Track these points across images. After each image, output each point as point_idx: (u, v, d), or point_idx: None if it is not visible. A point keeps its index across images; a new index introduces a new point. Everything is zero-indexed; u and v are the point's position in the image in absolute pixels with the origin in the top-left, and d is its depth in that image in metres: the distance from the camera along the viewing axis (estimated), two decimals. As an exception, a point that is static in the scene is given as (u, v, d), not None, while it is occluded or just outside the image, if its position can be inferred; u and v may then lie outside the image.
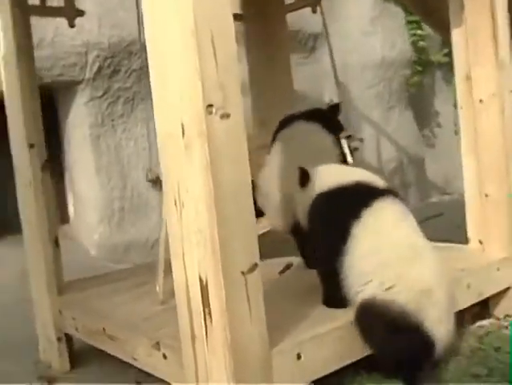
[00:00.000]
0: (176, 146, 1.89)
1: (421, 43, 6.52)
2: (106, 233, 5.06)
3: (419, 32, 6.53)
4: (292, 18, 6.00)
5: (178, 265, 1.98)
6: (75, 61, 4.89)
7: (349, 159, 3.21)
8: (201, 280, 1.89)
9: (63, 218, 5.50)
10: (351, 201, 2.26)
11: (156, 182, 2.83)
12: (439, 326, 2.10)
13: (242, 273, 1.87)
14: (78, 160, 5.20)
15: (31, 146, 3.06)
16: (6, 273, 4.53)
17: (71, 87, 5.00)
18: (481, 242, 3.02)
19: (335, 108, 3.21)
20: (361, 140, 3.60)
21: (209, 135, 1.80)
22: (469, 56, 2.94)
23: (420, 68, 6.60)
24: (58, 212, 5.48)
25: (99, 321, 2.69)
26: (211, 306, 1.87)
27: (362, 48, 6.51)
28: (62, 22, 4.79)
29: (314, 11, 3.88)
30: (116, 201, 5.18)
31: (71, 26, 3.49)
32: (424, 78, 6.89)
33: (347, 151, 3.17)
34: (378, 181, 2.35)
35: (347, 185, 2.32)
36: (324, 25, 3.86)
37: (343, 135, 3.21)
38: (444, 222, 5.29)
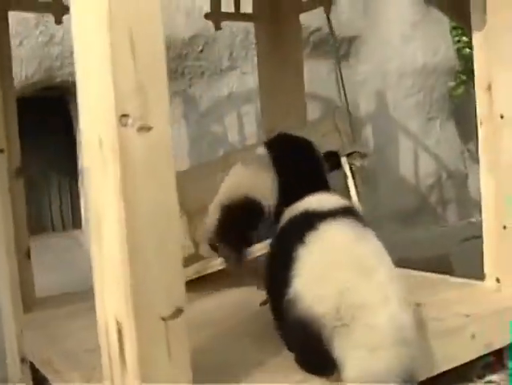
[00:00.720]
0: (94, 162, 1.59)
1: (466, 51, 6.02)
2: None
3: (464, 39, 6.05)
4: (325, 21, 5.68)
5: (99, 304, 1.68)
6: (86, 60, 4.66)
7: (350, 182, 2.84)
8: (117, 323, 1.58)
9: (76, 223, 5.30)
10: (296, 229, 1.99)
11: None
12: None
13: (162, 318, 1.55)
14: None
15: (0, 151, 2.81)
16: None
17: (82, 87, 4.77)
18: (498, 280, 2.62)
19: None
20: (364, 156, 3.21)
21: (122, 151, 1.49)
22: (491, 62, 2.53)
23: (464, 77, 6.10)
24: (71, 216, 5.32)
25: (46, 349, 2.43)
26: (126, 355, 1.56)
27: (402, 54, 6.08)
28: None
29: (327, 12, 3.52)
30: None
31: (58, 22, 3.24)
32: (469, 88, 6.38)
33: (347, 171, 2.80)
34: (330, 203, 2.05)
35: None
36: (330, 28, 3.48)
37: (342, 153, 2.85)
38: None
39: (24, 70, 4.50)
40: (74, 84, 4.56)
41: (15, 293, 2.83)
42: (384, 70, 6.00)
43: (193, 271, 2.81)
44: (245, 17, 3.72)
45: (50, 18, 4.51)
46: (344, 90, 3.43)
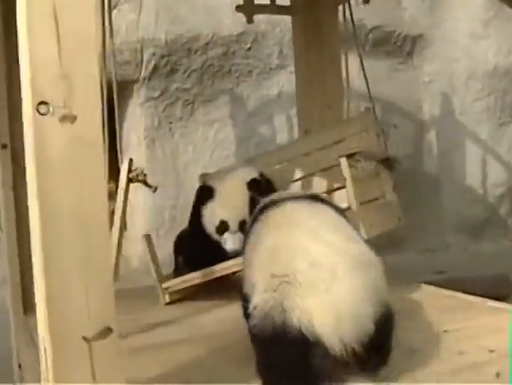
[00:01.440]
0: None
1: (544, 50, 5.50)
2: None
3: (541, 37, 5.52)
4: (385, 18, 5.35)
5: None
6: (129, 58, 4.57)
7: (348, 186, 2.54)
8: (43, 339, 1.39)
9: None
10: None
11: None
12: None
13: (85, 339, 1.34)
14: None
15: (3, 146, 2.71)
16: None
17: (125, 86, 4.68)
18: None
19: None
20: (392, 162, 2.91)
21: (38, 145, 1.29)
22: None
23: (541, 79, 5.58)
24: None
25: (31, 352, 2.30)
26: (48, 376, 1.37)
27: (471, 54, 5.63)
28: (116, 15, 4.56)
29: (366, 2, 3.22)
30: (167, 211, 4.80)
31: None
32: (547, 91, 5.85)
33: (346, 174, 2.51)
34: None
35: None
36: (351, 19, 3.18)
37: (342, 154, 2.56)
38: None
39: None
40: (118, 82, 4.48)
41: (16, 293, 2.71)
42: (451, 71, 5.58)
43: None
44: (281, 9, 3.48)
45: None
46: (368, 89, 3.12)
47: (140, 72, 4.64)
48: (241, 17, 4.65)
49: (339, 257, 1.64)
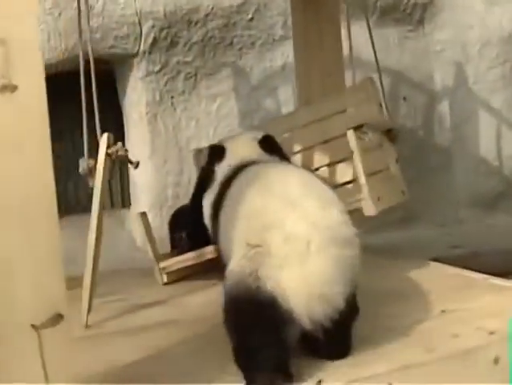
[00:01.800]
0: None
1: (562, 15, 5.25)
2: (155, 222, 4.56)
3: (559, 1, 5.26)
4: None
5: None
6: (127, 32, 4.44)
7: (356, 158, 2.41)
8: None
9: (125, 202, 5.14)
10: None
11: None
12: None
13: (34, 326, 1.24)
14: (134, 140, 4.78)
15: None
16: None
17: (125, 60, 4.57)
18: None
19: None
20: (395, 134, 2.76)
21: (-26, 117, 1.18)
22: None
23: (558, 45, 5.34)
24: (120, 194, 5.17)
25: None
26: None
27: (485, 21, 5.39)
28: (112, -12, 4.42)
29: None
30: (170, 188, 4.70)
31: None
32: None
33: (354, 147, 2.38)
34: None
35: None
36: None
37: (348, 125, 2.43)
38: None
39: (63, 43, 4.33)
40: (115, 58, 4.38)
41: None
42: (464, 38, 5.35)
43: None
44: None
45: (89, -14, 4.36)
46: (376, 58, 2.96)
47: (140, 46, 4.51)
48: (242, -14, 4.52)
49: (313, 228, 1.58)
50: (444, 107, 5.40)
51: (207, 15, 4.55)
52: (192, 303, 2.51)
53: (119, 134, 4.87)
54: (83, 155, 2.24)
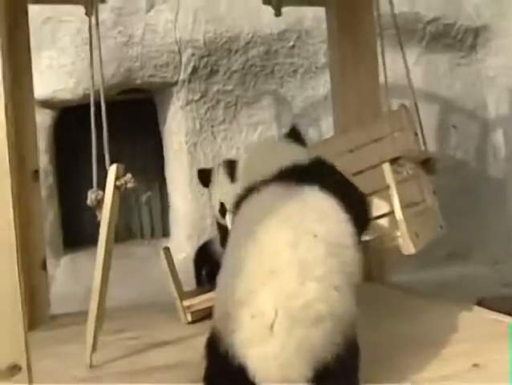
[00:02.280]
0: None
1: None
2: (193, 252, 4.50)
3: None
4: (444, 9, 4.95)
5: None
6: (167, 60, 4.42)
7: (392, 193, 2.25)
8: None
9: (165, 231, 5.09)
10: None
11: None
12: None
13: (-12, 377, 1.14)
14: (174, 169, 4.73)
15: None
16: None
17: (165, 89, 4.54)
18: None
19: None
20: (433, 164, 2.57)
21: None
22: None
23: None
24: (161, 224, 5.12)
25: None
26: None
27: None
28: (153, 16, 4.42)
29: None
30: (209, 218, 4.61)
31: (90, 14, 2.97)
32: None
33: (390, 181, 2.22)
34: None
35: None
36: (392, 9, 2.84)
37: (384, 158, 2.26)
38: None
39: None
40: (156, 85, 4.35)
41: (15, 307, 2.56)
42: (516, 64, 5.10)
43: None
44: (312, 1, 3.21)
45: (129, 17, 4.37)
46: (411, 83, 2.79)
47: (179, 74, 4.47)
48: (283, 14, 4.44)
49: (281, 307, 1.53)
50: (498, 135, 5.14)
51: (247, 43, 4.48)
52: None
53: (159, 162, 4.86)
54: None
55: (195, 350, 2.25)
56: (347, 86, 3.20)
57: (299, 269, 1.55)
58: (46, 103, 4.38)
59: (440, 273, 4.49)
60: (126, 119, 4.83)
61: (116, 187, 2.04)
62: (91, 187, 2.18)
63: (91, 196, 2.10)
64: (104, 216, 2.03)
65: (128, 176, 2.05)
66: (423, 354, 1.98)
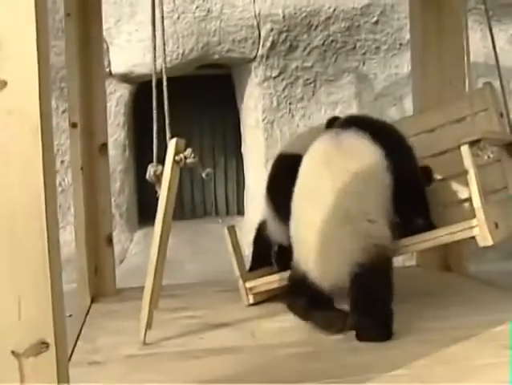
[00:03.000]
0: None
1: None
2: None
3: None
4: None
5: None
6: (245, 35, 4.33)
7: (471, 180, 2.08)
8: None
9: (240, 209, 5.05)
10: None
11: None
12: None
13: (15, 354, 1.11)
14: (250, 147, 4.66)
15: (73, 125, 2.58)
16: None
17: (243, 64, 4.46)
18: None
19: None
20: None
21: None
22: None
23: None
24: (236, 201, 5.07)
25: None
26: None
27: None
28: (232, -9, 4.33)
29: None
30: (284, 197, 4.51)
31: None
32: None
33: (469, 166, 2.04)
34: None
35: None
36: None
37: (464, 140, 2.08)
38: None
39: (181, 46, 4.30)
40: (233, 61, 4.28)
41: (83, 278, 2.58)
42: None
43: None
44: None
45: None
46: (497, 60, 2.56)
47: (258, 50, 4.37)
48: (367, -13, 4.24)
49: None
50: None
51: (328, 18, 4.32)
52: (267, 328, 2.28)
53: (237, 138, 4.80)
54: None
55: (252, 334, 2.19)
56: (429, 63, 3.00)
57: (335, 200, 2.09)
58: (125, 78, 4.39)
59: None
60: (206, 94, 4.80)
61: (176, 162, 1.97)
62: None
63: (150, 171, 2.05)
64: (163, 191, 1.98)
65: (189, 150, 1.98)
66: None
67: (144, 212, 4.83)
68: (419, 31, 3.03)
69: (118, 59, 4.39)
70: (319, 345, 2.04)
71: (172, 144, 1.99)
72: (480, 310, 2.31)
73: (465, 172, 2.23)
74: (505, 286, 2.74)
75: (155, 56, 2.19)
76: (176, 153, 1.99)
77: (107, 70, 4.40)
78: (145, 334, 2.04)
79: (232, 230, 2.67)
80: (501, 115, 2.51)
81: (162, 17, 2.17)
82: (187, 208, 5.04)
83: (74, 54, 2.58)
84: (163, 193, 1.99)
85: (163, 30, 2.12)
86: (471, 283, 2.83)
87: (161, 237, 2.00)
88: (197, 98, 4.88)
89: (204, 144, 5.02)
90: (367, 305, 2.04)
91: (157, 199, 2.04)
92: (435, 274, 3.03)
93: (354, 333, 2.05)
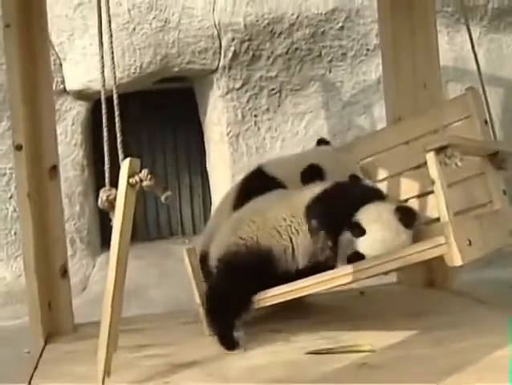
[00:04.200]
0: None
1: None
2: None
3: None
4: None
5: None
6: (205, 46, 4.13)
7: (437, 188, 1.89)
8: None
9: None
10: None
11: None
12: None
13: None
14: (215, 163, 4.45)
15: (18, 147, 2.33)
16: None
17: (204, 77, 4.25)
18: None
19: None
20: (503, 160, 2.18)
21: None
22: None
23: None
24: (203, 220, 4.85)
25: None
26: None
27: None
28: (189, 0, 4.13)
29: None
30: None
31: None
32: None
33: (434, 173, 1.85)
34: None
35: None
36: None
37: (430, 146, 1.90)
38: None
39: (138, 59, 4.08)
40: (194, 73, 4.07)
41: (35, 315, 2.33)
42: None
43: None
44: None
45: (164, 0, 4.10)
46: (478, 66, 2.41)
47: (219, 61, 4.18)
48: (331, -8, 4.10)
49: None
50: None
51: (292, 25, 4.16)
52: (237, 367, 2.04)
53: (201, 154, 4.59)
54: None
55: (224, 377, 1.96)
56: (401, 67, 2.83)
57: None
58: (80, 94, 4.15)
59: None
60: (167, 109, 4.58)
61: (130, 185, 1.74)
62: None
63: (102, 197, 1.81)
64: (116, 220, 1.75)
65: (144, 171, 1.76)
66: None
67: (107, 234, 4.57)
68: (389, 33, 2.88)
69: (72, 75, 4.15)
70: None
71: (125, 165, 1.76)
72: (472, 332, 2.12)
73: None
74: (493, 302, 2.58)
75: (103, 70, 1.97)
76: (131, 175, 1.76)
77: (61, 86, 4.17)
78: (103, 382, 1.80)
79: (192, 252, 2.43)
80: (486, 122, 2.34)
81: (110, 25, 1.94)
82: (152, 228, 4.80)
83: (15, 69, 2.33)
84: (117, 222, 1.76)
85: (111, 37, 1.89)
86: (458, 300, 2.64)
87: (117, 270, 1.77)
88: (158, 113, 4.66)
89: (167, 161, 4.80)
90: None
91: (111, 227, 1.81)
92: (418, 292, 2.84)
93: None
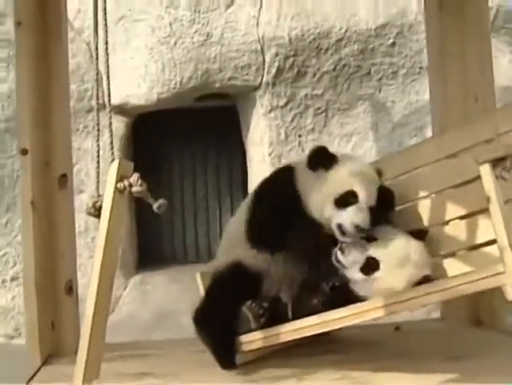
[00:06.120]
0: None
1: None
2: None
3: None
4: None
5: None
6: (248, 61, 3.98)
7: (493, 206, 1.60)
8: None
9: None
10: None
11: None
12: None
13: None
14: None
15: (24, 152, 2.19)
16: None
17: (246, 93, 4.09)
18: None
19: None
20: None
21: None
22: None
23: None
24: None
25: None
26: None
27: None
28: (233, 13, 4.00)
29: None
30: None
31: None
32: None
33: (490, 189, 1.58)
34: None
35: None
36: None
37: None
38: None
39: (178, 74, 3.96)
40: (236, 89, 3.93)
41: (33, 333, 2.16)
42: None
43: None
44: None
45: (207, 14, 3.98)
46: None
47: (263, 77, 4.01)
48: (383, 6, 3.91)
49: None
50: None
51: (340, 40, 3.97)
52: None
53: (244, 175, 4.41)
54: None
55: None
56: (450, 77, 2.57)
57: None
58: (119, 110, 4.05)
59: None
60: (212, 128, 4.44)
61: (118, 190, 1.55)
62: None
63: (89, 203, 1.63)
64: (101, 228, 1.55)
65: (135, 176, 1.56)
66: None
67: (143, 255, 4.44)
68: (437, 39, 2.63)
69: (112, 89, 4.06)
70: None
71: (113, 167, 1.57)
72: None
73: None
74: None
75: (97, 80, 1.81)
76: (120, 179, 1.57)
77: (101, 101, 4.09)
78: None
79: (206, 276, 2.24)
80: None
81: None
82: (190, 251, 4.63)
83: (24, 68, 2.21)
84: (101, 230, 1.56)
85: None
86: (509, 342, 2.31)
87: (99, 286, 1.56)
88: (202, 132, 4.53)
89: (209, 182, 4.64)
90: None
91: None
92: (463, 330, 2.51)
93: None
